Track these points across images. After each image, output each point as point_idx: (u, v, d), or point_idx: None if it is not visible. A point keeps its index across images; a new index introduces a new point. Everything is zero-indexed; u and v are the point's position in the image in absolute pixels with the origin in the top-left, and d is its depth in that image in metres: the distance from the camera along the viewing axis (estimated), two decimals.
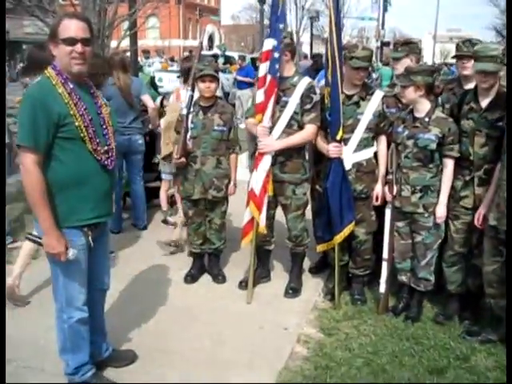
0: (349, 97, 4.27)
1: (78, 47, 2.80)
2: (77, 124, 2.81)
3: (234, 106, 11.57)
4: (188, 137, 4.53)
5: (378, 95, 4.31)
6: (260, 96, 4.29)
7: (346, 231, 4.26)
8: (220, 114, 4.62)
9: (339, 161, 4.18)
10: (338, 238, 4.28)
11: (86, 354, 3.22)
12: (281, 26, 4.22)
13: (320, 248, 4.53)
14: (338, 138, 4.14)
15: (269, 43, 4.22)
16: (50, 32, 2.87)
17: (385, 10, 36.98)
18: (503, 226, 3.47)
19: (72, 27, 2.80)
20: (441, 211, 3.98)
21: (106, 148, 2.97)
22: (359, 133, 4.25)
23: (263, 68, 4.28)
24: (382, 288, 4.26)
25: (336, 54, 4.07)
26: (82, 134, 2.84)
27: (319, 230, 4.58)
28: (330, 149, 4.17)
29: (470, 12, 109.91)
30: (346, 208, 4.22)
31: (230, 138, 4.70)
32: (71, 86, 2.85)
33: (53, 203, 2.82)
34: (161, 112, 6.37)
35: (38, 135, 2.73)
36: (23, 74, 5.06)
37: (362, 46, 4.38)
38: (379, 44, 31.70)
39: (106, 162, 2.97)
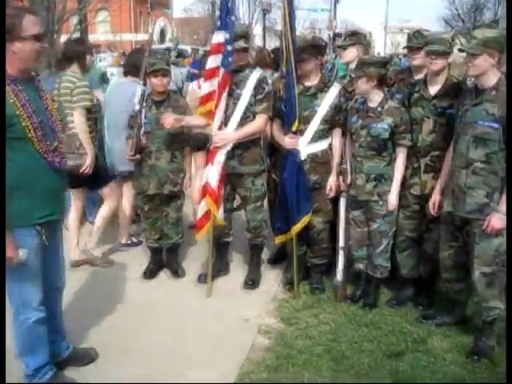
0: (307, 88, 4.31)
1: (45, 43, 2.82)
2: (24, 124, 2.77)
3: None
4: (142, 132, 4.49)
5: (336, 88, 4.36)
6: (206, 87, 4.28)
7: (304, 221, 4.31)
8: (173, 109, 4.58)
9: (295, 152, 4.22)
10: (296, 228, 4.32)
11: (46, 354, 3.17)
12: (232, 18, 4.21)
13: (278, 239, 4.57)
14: (294, 129, 4.18)
15: (220, 36, 4.20)
16: (10, 28, 2.70)
17: (336, 1, 37.36)
18: (458, 212, 3.56)
19: (37, 23, 2.79)
20: (392, 199, 4.06)
21: (54, 146, 2.94)
22: (315, 124, 4.29)
23: (212, 60, 4.26)
24: (339, 276, 4.32)
25: (290, 46, 4.09)
26: (29, 135, 2.79)
27: (277, 222, 4.60)
28: (286, 140, 4.20)
29: (420, 2, 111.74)
30: (302, 199, 4.26)
31: (184, 131, 4.67)
32: (19, 87, 2.78)
33: (4, 204, 2.74)
34: None
35: None
36: (57, 66, 5.14)
37: (304, 36, 4.35)
38: (332, 35, 32.13)
39: (55, 160, 2.93)
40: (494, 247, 3.46)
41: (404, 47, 4.56)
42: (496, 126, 3.36)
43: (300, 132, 4.26)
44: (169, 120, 4.32)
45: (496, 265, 3.49)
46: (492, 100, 3.40)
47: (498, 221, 3.36)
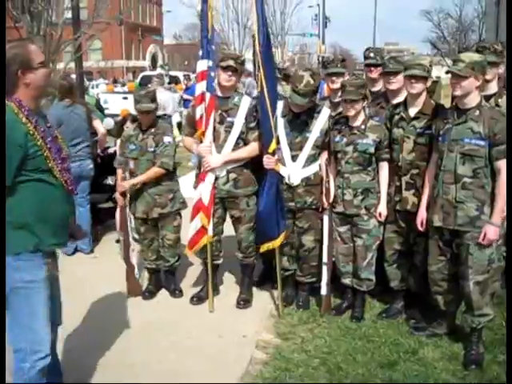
0: (297, 115, 4.47)
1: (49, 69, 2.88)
2: (45, 155, 2.73)
3: (180, 124, 11.67)
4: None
5: (325, 113, 4.52)
6: (199, 112, 4.45)
7: (282, 238, 4.45)
8: (154, 136, 4.78)
9: (273, 172, 4.36)
10: (276, 242, 4.45)
11: None
12: (213, 47, 4.44)
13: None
14: (271, 150, 4.33)
15: (203, 64, 4.41)
16: (20, 60, 2.69)
17: (324, 26, 37.97)
18: (450, 226, 3.75)
19: (39, 50, 2.87)
20: (383, 209, 4.26)
21: (68, 175, 2.91)
22: (307, 150, 4.46)
23: (199, 87, 4.47)
24: (324, 290, 4.47)
25: (261, 69, 4.26)
26: (50, 165, 2.76)
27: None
28: (264, 161, 4.35)
29: (406, 26, 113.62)
30: (280, 216, 4.41)
31: (158, 153, 4.76)
32: (35, 117, 2.75)
33: (4, 206, 2.65)
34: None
35: (9, 171, 2.64)
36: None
37: (307, 79, 4.29)
38: (320, 59, 32.59)
39: (70, 188, 2.91)
40: (487, 257, 3.68)
41: (380, 73, 4.78)
42: (482, 143, 3.59)
43: (292, 158, 4.45)
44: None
45: (487, 273, 3.70)
46: (476, 119, 3.63)
47: (493, 232, 3.59)
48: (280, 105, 4.52)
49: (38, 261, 2.79)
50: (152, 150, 4.75)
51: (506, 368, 3.19)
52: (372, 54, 4.98)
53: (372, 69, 4.94)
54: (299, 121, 4.47)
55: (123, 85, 27.59)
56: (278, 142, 4.39)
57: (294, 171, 4.45)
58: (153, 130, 4.80)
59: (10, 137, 2.61)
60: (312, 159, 4.49)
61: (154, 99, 4.79)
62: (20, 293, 2.73)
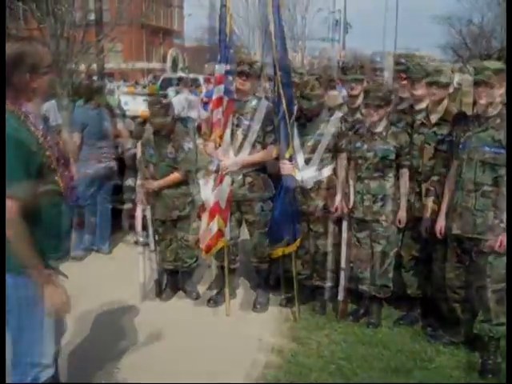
0: (309, 119, 4.48)
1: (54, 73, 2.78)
2: (52, 167, 2.57)
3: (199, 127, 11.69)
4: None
5: (337, 116, 4.52)
6: (217, 114, 4.47)
7: (296, 244, 4.46)
8: (173, 142, 4.84)
9: (290, 177, 4.36)
10: (291, 247, 4.46)
11: None
12: (231, 51, 4.45)
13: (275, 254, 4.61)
14: (287, 155, 4.34)
15: (221, 68, 4.44)
16: (29, 62, 2.45)
17: (345, 31, 37.93)
18: (468, 234, 3.72)
19: (47, 53, 2.67)
20: (403, 216, 4.24)
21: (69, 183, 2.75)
22: (320, 153, 4.46)
23: (217, 90, 4.49)
24: (341, 296, 4.47)
25: (278, 74, 4.23)
26: (56, 178, 2.60)
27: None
28: (281, 166, 4.36)
29: (427, 32, 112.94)
30: (295, 222, 4.42)
31: (179, 160, 4.83)
32: (41, 126, 2.58)
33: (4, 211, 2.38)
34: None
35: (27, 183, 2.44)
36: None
37: (312, 83, 4.42)
38: (340, 63, 32.40)
39: (72, 198, 2.83)
40: (504, 264, 3.63)
41: (403, 78, 4.73)
42: (503, 151, 3.57)
43: (305, 161, 4.45)
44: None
45: (504, 281, 3.66)
46: (497, 127, 3.61)
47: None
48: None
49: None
50: (172, 156, 4.81)
51: (506, 368, 3.15)
52: (403, 60, 4.80)
53: (402, 75, 4.74)
54: (311, 124, 4.48)
55: (144, 87, 27.71)
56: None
57: (307, 174, 4.45)
58: (171, 135, 4.85)
59: (22, 143, 2.40)
60: (325, 162, 4.49)
61: (168, 111, 4.83)
62: (25, 309, 2.56)
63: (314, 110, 4.42)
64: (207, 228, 4.59)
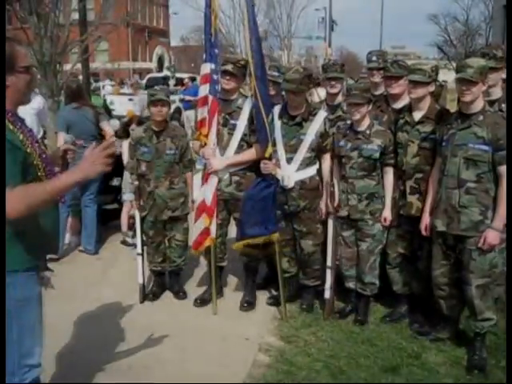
0: (292, 117, 4.47)
1: (33, 73, 2.64)
2: (35, 163, 2.52)
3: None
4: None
5: (321, 116, 4.49)
6: (202, 113, 4.50)
7: (258, 240, 4.44)
8: (171, 138, 4.80)
9: (269, 176, 4.35)
10: (242, 242, 4.47)
11: None
12: (216, 51, 4.47)
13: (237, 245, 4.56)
14: (267, 155, 4.33)
15: (206, 67, 4.46)
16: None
17: (331, 29, 37.93)
18: (453, 231, 3.75)
19: (27, 53, 2.61)
20: (387, 214, 4.25)
21: None
22: (302, 152, 4.43)
23: (203, 89, 4.52)
24: (327, 294, 4.47)
25: (253, 72, 4.23)
26: (39, 174, 2.55)
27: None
28: (261, 166, 4.36)
29: (413, 29, 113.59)
30: (271, 217, 4.40)
31: (185, 159, 4.88)
32: (20, 123, 2.52)
33: (4, 210, 2.31)
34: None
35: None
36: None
37: (295, 68, 4.47)
38: (327, 61, 32.40)
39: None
40: (489, 261, 3.67)
41: (382, 76, 4.75)
42: (486, 148, 3.59)
43: (287, 160, 4.44)
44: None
45: (489, 277, 3.69)
46: (480, 124, 3.62)
47: (493, 237, 3.58)
48: (277, 108, 4.54)
49: (34, 277, 2.62)
50: (172, 152, 4.78)
51: (506, 368, 3.18)
52: (374, 58, 4.98)
53: (374, 72, 4.96)
54: (294, 123, 4.47)
55: (132, 86, 27.61)
56: (274, 145, 4.40)
57: (289, 174, 4.45)
58: (167, 132, 4.83)
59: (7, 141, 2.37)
60: (307, 162, 4.47)
61: (167, 95, 4.85)
62: (13, 310, 2.51)
63: (295, 92, 4.30)
64: (195, 225, 4.62)
